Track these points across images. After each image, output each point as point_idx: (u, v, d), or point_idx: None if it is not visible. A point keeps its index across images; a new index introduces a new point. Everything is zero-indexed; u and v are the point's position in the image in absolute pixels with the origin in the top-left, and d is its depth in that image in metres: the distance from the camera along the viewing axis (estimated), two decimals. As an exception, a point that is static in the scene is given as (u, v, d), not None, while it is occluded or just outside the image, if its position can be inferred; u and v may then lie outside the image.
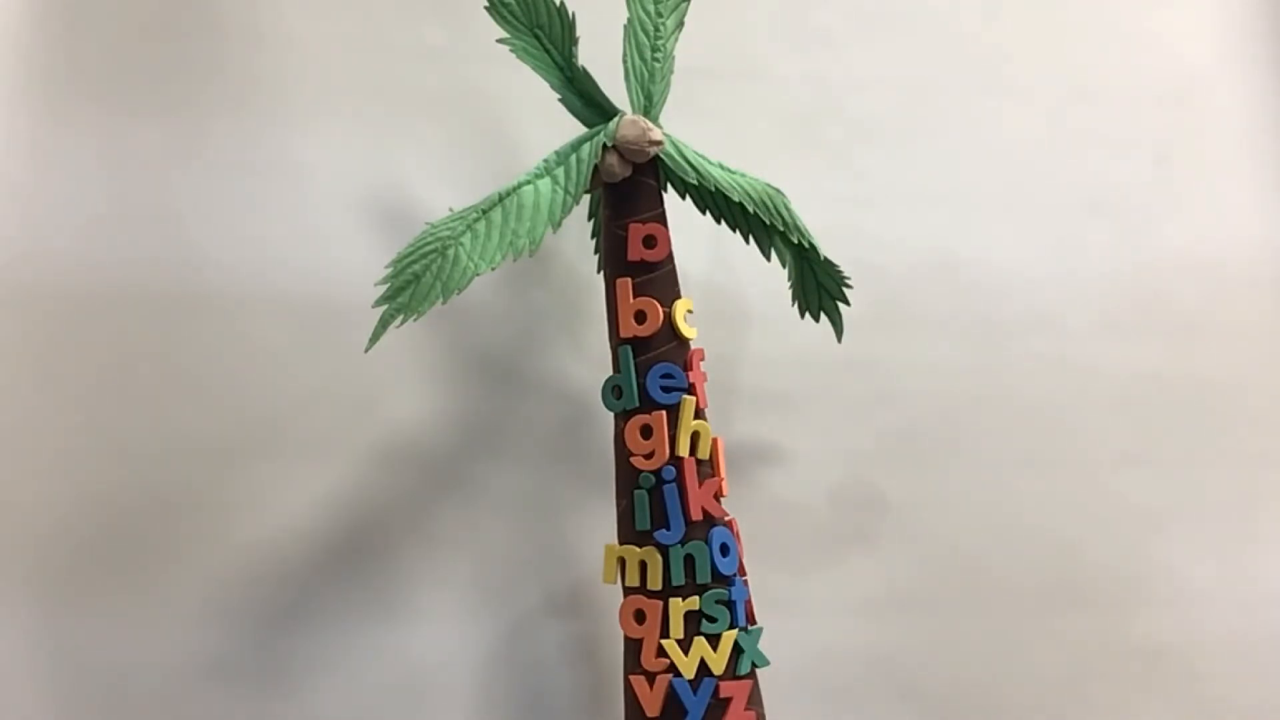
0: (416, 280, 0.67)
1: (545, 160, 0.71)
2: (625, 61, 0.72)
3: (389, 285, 0.66)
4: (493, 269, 0.68)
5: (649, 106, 0.73)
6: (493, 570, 0.87)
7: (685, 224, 0.76)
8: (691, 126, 0.77)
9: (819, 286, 0.80)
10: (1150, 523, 0.95)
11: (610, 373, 0.73)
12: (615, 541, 0.73)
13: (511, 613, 0.87)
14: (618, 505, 0.73)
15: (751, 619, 0.73)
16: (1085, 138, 0.98)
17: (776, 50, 0.95)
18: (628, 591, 0.72)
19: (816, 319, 0.81)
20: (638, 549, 0.71)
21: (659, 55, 0.72)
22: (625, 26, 0.72)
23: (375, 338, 0.66)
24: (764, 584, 0.76)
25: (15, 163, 0.83)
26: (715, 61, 0.91)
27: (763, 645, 0.72)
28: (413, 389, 0.87)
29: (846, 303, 0.80)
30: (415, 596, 0.86)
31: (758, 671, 0.73)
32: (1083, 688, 0.92)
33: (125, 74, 0.86)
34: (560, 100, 0.74)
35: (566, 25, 0.71)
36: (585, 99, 0.73)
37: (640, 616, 0.70)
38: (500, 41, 0.71)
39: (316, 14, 0.88)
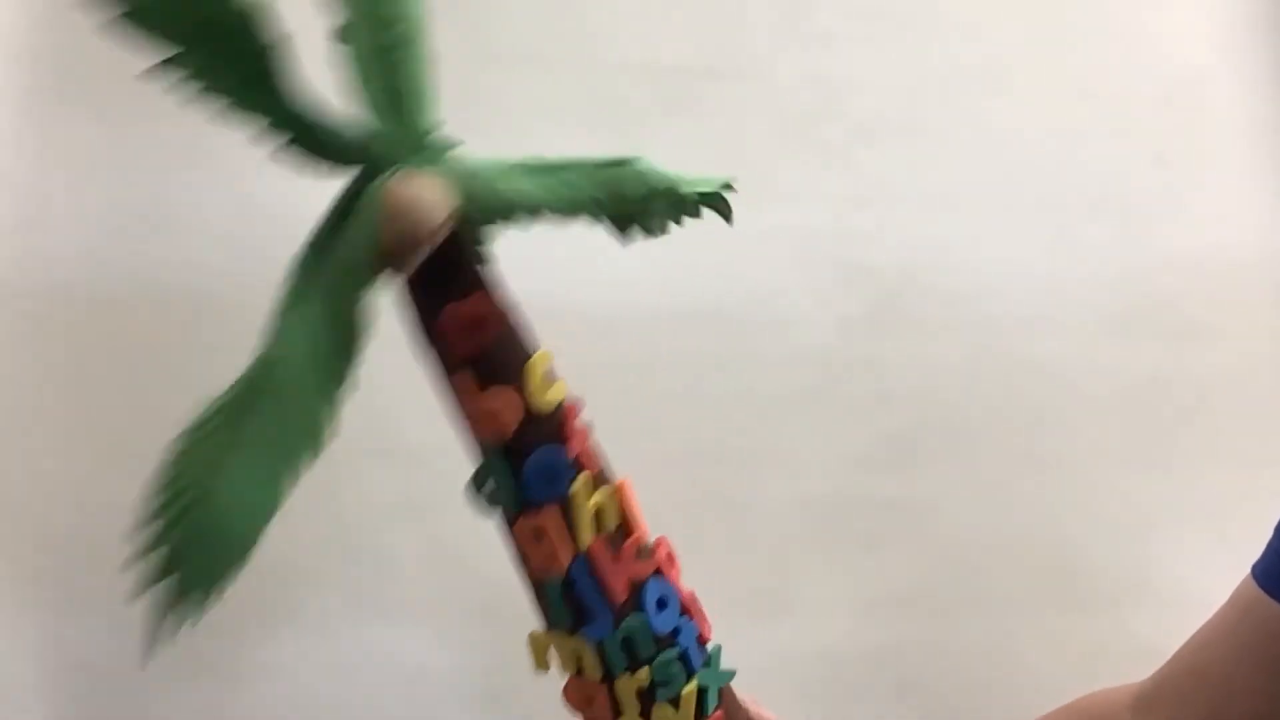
0: (180, 559, 0.45)
1: (282, 311, 0.50)
2: (350, 60, 0.50)
3: (147, 560, 0.45)
4: (279, 505, 0.48)
5: (406, 112, 0.51)
6: (488, 571, 0.87)
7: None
8: (692, 126, 0.76)
9: (700, 197, 0.56)
10: (1150, 523, 0.95)
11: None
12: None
13: (507, 613, 0.86)
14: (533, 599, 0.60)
15: (705, 637, 0.61)
16: (1085, 138, 0.98)
17: (776, 50, 0.95)
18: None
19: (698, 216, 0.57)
20: (568, 639, 0.58)
21: (397, 29, 0.50)
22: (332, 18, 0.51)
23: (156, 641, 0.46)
24: (764, 584, 0.76)
25: (16, 163, 0.83)
26: (715, 61, 0.91)
27: (762, 645, 0.72)
28: (408, 388, 0.86)
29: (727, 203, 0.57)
30: (411, 596, 0.85)
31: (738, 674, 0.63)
32: (1082, 688, 0.92)
33: (126, 75, 0.85)
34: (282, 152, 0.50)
35: (248, 19, 0.46)
36: (315, 139, 0.50)
37: (588, 700, 0.59)
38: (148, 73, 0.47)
39: (315, 14, 0.88)
